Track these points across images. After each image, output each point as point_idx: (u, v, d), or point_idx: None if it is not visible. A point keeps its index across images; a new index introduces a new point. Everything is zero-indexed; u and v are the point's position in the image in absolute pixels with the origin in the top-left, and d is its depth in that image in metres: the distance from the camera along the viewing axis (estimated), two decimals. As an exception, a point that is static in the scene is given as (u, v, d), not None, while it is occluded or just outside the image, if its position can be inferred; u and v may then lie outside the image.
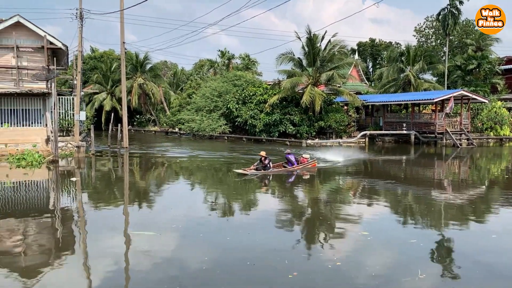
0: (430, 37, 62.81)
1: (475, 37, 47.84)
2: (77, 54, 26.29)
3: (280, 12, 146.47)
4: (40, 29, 22.90)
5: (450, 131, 31.34)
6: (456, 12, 45.70)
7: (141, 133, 48.62)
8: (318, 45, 33.12)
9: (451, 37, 51.79)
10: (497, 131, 34.83)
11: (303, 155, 19.12)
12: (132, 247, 8.21)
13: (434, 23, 59.48)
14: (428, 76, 45.44)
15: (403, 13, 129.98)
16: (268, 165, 17.17)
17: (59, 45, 23.20)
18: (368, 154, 26.03)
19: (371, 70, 70.33)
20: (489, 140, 34.53)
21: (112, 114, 41.09)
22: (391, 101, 35.71)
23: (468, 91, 33.96)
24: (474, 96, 32.54)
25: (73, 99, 25.33)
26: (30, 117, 23.61)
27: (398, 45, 66.75)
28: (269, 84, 37.96)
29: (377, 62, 69.88)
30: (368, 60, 71.83)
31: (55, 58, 23.64)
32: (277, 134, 33.70)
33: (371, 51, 70.28)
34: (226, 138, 36.83)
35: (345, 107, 38.60)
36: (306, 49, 33.14)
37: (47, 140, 22.46)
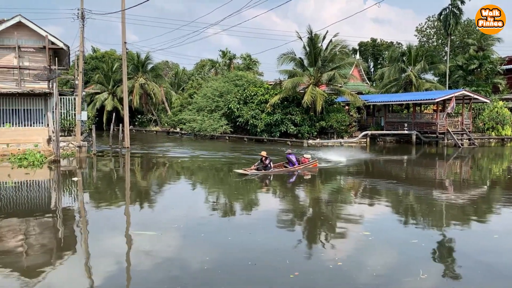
0: (432, 37, 62.76)
1: (477, 37, 47.73)
2: (78, 54, 26.35)
3: (282, 12, 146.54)
4: (42, 29, 22.95)
5: (452, 131, 31.30)
6: (458, 12, 45.60)
7: (143, 133, 48.67)
8: (320, 45, 33.10)
9: (452, 37, 51.72)
10: (498, 131, 34.77)
11: (304, 155, 19.10)
12: (133, 247, 8.22)
13: (436, 23, 59.42)
14: (429, 76, 45.42)
15: (405, 13, 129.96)
16: (269, 165, 17.16)
17: (61, 45, 23.24)
18: (370, 154, 26.00)
19: (372, 70, 70.28)
20: (490, 140, 34.46)
21: (114, 114, 41.22)
22: (392, 101, 35.67)
23: (469, 91, 33.91)
24: (475, 96, 32.48)
25: (74, 99, 25.37)
26: (31, 117, 23.66)
27: (400, 45, 66.69)
28: (271, 84, 37.96)
29: (379, 62, 69.84)
30: (369, 60, 71.79)
31: (56, 58, 23.69)
32: (278, 134, 33.69)
33: (372, 51, 70.23)
34: (227, 138, 36.84)
35: (347, 107, 38.57)
36: (308, 49, 33.13)
37: (49, 140, 22.50)
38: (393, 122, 35.07)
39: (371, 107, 40.14)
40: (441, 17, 47.47)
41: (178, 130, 44.36)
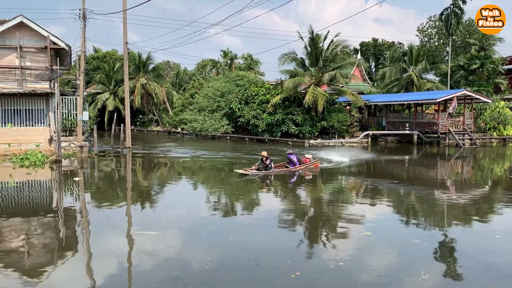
0: (433, 37, 62.71)
1: (478, 37, 47.71)
2: (80, 54, 26.36)
3: (283, 12, 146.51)
4: (43, 29, 22.98)
5: (453, 131, 31.25)
6: (459, 12, 45.58)
7: (144, 133, 48.71)
8: (321, 45, 33.08)
9: (454, 37, 51.67)
10: (500, 131, 34.70)
11: (306, 155, 19.06)
12: (134, 247, 8.23)
13: (437, 23, 59.39)
14: (431, 76, 45.41)
15: (406, 13, 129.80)
16: (270, 165, 17.15)
17: (62, 45, 23.27)
18: (371, 154, 25.98)
19: (373, 70, 70.25)
20: (492, 140, 34.40)
21: (115, 114, 41.23)
22: (393, 101, 35.64)
23: (471, 91, 33.86)
24: (477, 96, 32.43)
25: (76, 99, 25.40)
26: (33, 117, 23.70)
27: (401, 45, 66.66)
28: (272, 84, 37.95)
29: (380, 62, 69.81)
30: (370, 60, 71.75)
31: (58, 58, 23.72)
32: (279, 134, 33.68)
33: (373, 51, 70.18)
34: (228, 138, 36.85)
35: (348, 107, 38.55)
36: (309, 49, 33.11)
37: (50, 140, 22.55)
38: (394, 122, 35.04)
39: (373, 107, 40.10)
40: (443, 17, 47.45)
41: (179, 130, 44.39)
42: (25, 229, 9.43)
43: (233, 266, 7.16)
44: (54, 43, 23.06)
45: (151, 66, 50.39)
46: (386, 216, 11.00)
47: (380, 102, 36.26)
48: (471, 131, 32.67)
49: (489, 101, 34.02)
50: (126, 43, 28.11)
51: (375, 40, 70.98)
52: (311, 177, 17.14)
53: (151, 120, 52.76)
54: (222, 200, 13.05)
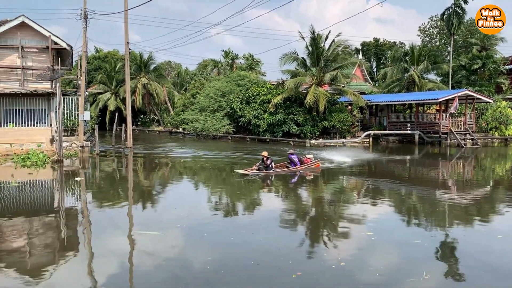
0: (435, 36, 62.66)
1: (480, 36, 47.62)
2: (81, 54, 26.40)
3: (284, 12, 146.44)
4: (45, 29, 23.01)
5: (455, 131, 31.22)
6: (461, 12, 45.52)
7: (145, 133, 48.75)
8: (322, 45, 33.07)
9: (455, 37, 51.60)
10: (502, 131, 34.64)
11: (307, 155, 19.04)
12: (136, 247, 8.23)
13: (439, 23, 59.34)
14: (432, 76, 45.37)
15: (407, 12, 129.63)
16: (270, 165, 17.13)
17: (64, 45, 23.30)
18: (373, 154, 25.97)
19: (375, 70, 70.21)
20: (494, 140, 34.35)
21: (116, 114, 41.21)
22: (395, 101, 35.61)
23: (472, 91, 33.80)
24: (478, 96, 32.39)
25: (77, 99, 25.44)
26: (34, 117, 23.73)
27: (402, 44, 66.62)
28: (273, 84, 37.96)
29: (381, 62, 69.77)
30: (372, 60, 71.71)
31: (59, 58, 23.75)
32: (280, 134, 33.68)
33: (375, 51, 70.14)
34: (229, 138, 36.86)
35: (349, 107, 38.53)
36: (310, 49, 33.10)
37: (52, 140, 22.57)
38: (395, 122, 35.01)
39: (374, 107, 40.06)
40: (444, 17, 47.38)
41: (180, 130, 44.41)
42: (26, 229, 9.44)
43: (234, 266, 7.16)
44: (56, 43, 23.08)
45: (152, 66, 50.43)
46: (387, 216, 10.99)
47: (382, 102, 36.23)
48: (472, 131, 32.62)
49: (491, 101, 33.95)
50: (128, 43, 28.15)
51: (376, 40, 70.94)
52: (312, 177, 17.12)
53: (153, 120, 52.80)
54: (223, 200, 13.05)
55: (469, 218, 10.74)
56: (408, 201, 13.14)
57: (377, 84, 54.69)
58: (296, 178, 16.75)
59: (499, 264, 7.29)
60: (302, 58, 33.75)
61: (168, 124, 48.87)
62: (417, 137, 32.02)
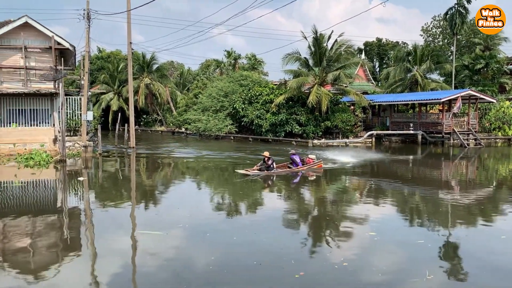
0: (437, 36, 62.45)
1: (483, 36, 47.40)
2: (84, 55, 26.45)
3: (287, 12, 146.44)
4: (48, 29, 23.08)
5: (458, 131, 31.12)
6: (464, 12, 45.37)
7: (148, 133, 48.81)
8: (325, 44, 33.02)
9: (458, 37, 51.43)
10: (505, 131, 34.52)
11: (309, 156, 18.99)
12: (139, 247, 8.25)
13: (442, 23, 59.12)
14: (435, 75, 45.18)
15: (410, 12, 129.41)
16: (272, 166, 17.12)
17: (67, 45, 23.36)
18: (375, 154, 25.91)
19: (377, 69, 70.07)
20: (497, 140, 34.23)
21: (119, 114, 41.30)
22: (398, 101, 35.54)
23: (475, 90, 33.70)
24: (482, 96, 32.28)
25: (80, 99, 25.49)
26: (38, 117, 23.81)
27: (405, 44, 66.47)
28: (275, 84, 37.93)
29: (384, 61, 69.61)
30: (374, 60, 71.56)
31: (62, 59, 23.81)
32: (283, 134, 33.66)
33: (377, 51, 69.99)
34: (232, 138, 36.86)
35: (352, 107, 38.47)
36: (313, 48, 33.07)
37: (55, 140, 22.63)
38: (398, 122, 34.94)
39: (377, 107, 40.02)
40: (447, 17, 47.25)
41: (183, 130, 44.45)
42: (30, 228, 9.47)
43: (237, 266, 7.16)
44: (59, 43, 23.14)
45: (155, 66, 50.48)
46: (390, 216, 10.97)
47: (384, 102, 36.17)
48: (475, 131, 32.53)
49: (494, 101, 33.84)
50: (130, 43, 28.17)
51: (379, 40, 70.78)
52: (314, 177, 17.11)
53: (155, 120, 52.86)
54: (225, 200, 13.06)
55: (472, 218, 10.71)
56: (411, 201, 13.11)
57: (379, 84, 54.56)
58: (298, 178, 16.74)
59: (503, 264, 7.27)
60: (305, 58, 33.72)
61: (171, 124, 48.92)
62: (420, 137, 31.95)
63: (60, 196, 14.07)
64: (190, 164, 22.41)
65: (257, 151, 25.95)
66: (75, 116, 25.50)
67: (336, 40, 33.01)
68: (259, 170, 16.95)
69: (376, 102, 36.64)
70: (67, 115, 24.42)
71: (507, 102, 35.67)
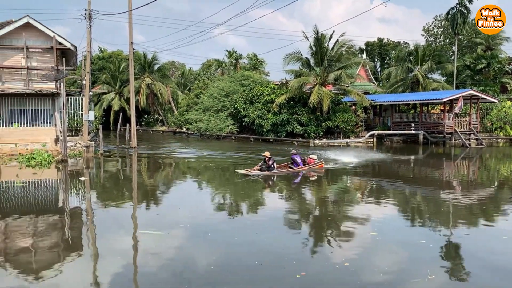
0: (439, 36, 62.38)
1: (485, 36, 47.35)
2: (85, 55, 26.48)
3: (288, 12, 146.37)
4: (50, 29, 23.11)
5: (459, 131, 31.08)
6: (465, 11, 45.29)
7: (149, 133, 48.85)
8: (326, 44, 33.01)
9: (460, 37, 51.38)
10: (506, 131, 34.47)
11: (310, 156, 18.98)
12: (140, 247, 8.25)
13: (443, 23, 59.07)
14: (436, 75, 45.17)
15: (411, 12, 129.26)
16: (272, 166, 17.11)
17: (68, 45, 23.40)
18: (377, 154, 25.89)
19: (379, 69, 70.00)
20: (498, 140, 34.17)
21: (121, 114, 41.41)
22: (399, 101, 35.51)
23: (477, 90, 33.65)
24: (483, 96, 32.24)
25: (81, 99, 25.52)
26: (39, 117, 23.85)
27: (407, 44, 66.41)
28: (277, 84, 37.92)
29: (385, 61, 69.54)
30: (376, 60, 71.50)
31: (64, 59, 23.84)
32: (284, 134, 33.66)
33: (379, 51, 69.93)
34: (233, 138, 36.87)
35: (353, 107, 38.43)
36: (314, 48, 33.05)
37: (56, 140, 22.66)
38: (400, 122, 34.91)
39: (378, 107, 39.98)
40: (449, 17, 47.18)
41: (184, 130, 44.48)
42: (31, 228, 9.48)
43: (238, 266, 7.16)
44: (60, 44, 23.18)
45: (156, 66, 50.54)
46: (392, 217, 10.96)
47: (386, 102, 36.14)
48: (477, 131, 32.48)
49: (496, 101, 33.81)
50: (132, 43, 28.20)
51: (380, 39, 70.73)
52: (315, 177, 17.10)
53: (157, 120, 52.90)
54: (227, 200, 13.06)
55: (474, 218, 10.69)
56: (412, 201, 13.09)
57: (381, 84, 54.53)
58: (299, 178, 16.73)
59: (505, 265, 7.25)
60: (306, 58, 33.71)
61: (172, 124, 48.95)
62: (421, 137, 31.91)
63: (62, 196, 14.09)
64: (191, 164, 22.42)
65: (258, 151, 25.94)
66: (76, 116, 25.53)
67: (337, 40, 33.00)
68: (260, 170, 16.93)
69: (378, 102, 36.61)
70: (68, 115, 24.45)
71: (509, 102, 35.61)
